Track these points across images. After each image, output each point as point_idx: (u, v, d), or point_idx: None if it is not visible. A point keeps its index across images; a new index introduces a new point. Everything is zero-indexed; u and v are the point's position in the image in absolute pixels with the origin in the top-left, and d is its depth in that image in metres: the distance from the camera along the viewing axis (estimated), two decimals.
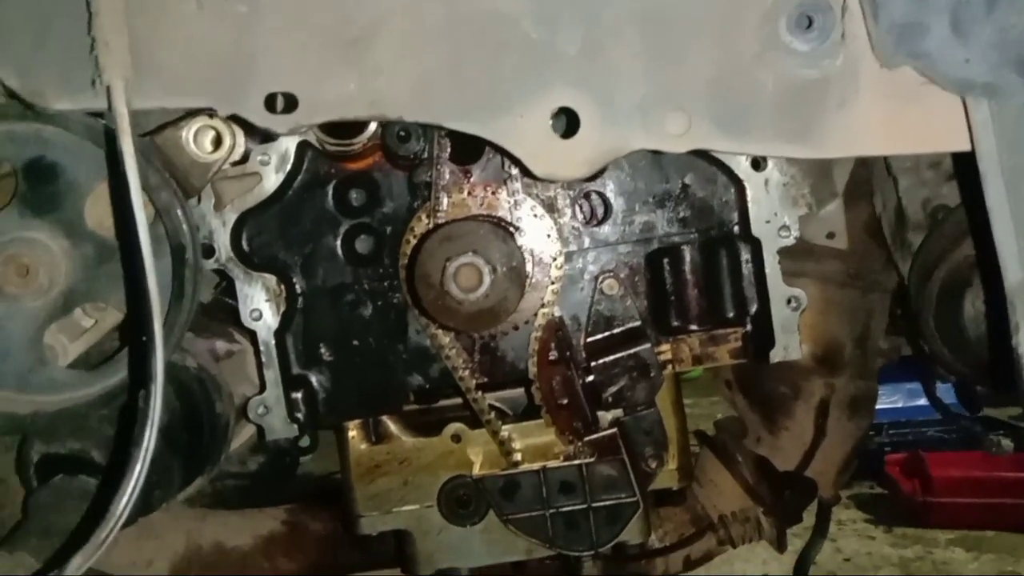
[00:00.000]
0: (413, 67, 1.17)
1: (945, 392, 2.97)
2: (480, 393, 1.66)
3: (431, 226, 1.57)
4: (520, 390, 1.76)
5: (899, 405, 5.65)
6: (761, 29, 1.17)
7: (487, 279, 1.42)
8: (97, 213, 1.37)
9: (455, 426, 1.73)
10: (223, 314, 1.93)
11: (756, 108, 1.18)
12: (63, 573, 1.00)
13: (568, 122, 1.22)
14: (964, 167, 1.17)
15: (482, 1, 1.17)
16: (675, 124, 1.19)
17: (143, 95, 1.13)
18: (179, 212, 1.33)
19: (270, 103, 1.17)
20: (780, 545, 2.38)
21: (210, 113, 1.29)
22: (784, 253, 1.62)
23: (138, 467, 1.02)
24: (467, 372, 1.65)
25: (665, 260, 1.65)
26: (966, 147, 1.11)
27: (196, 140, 1.40)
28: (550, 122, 1.21)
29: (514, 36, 1.18)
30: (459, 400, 1.73)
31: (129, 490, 1.02)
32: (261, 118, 1.17)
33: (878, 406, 2.47)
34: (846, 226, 2.19)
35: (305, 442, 2.77)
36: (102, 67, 1.07)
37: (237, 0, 1.13)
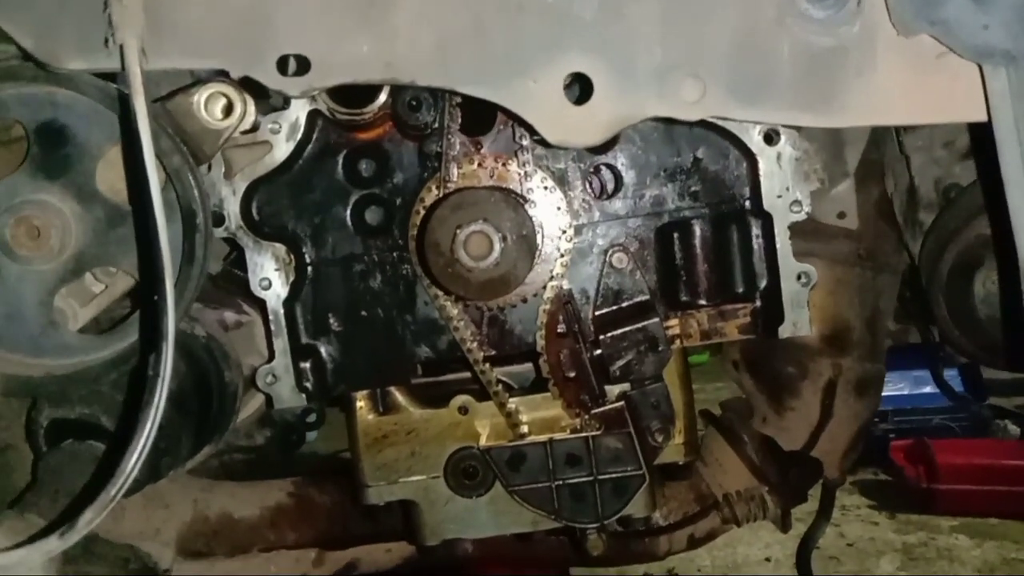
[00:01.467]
0: (429, 30, 1.16)
1: (952, 379, 2.97)
2: (488, 365, 1.66)
3: (441, 196, 1.57)
4: (527, 366, 1.76)
5: (905, 392, 5.66)
6: None
7: (497, 247, 1.42)
8: (108, 177, 1.37)
9: (462, 398, 1.73)
10: (232, 285, 1.94)
11: (772, 76, 1.17)
12: (74, 527, 1.00)
13: (582, 88, 1.21)
14: (980, 139, 1.16)
15: None
16: (690, 91, 1.18)
17: (157, 55, 1.13)
18: (190, 177, 1.33)
19: (282, 66, 1.17)
20: (784, 525, 2.39)
21: (222, 78, 1.29)
22: (794, 232, 1.61)
23: (149, 423, 1.03)
24: (475, 344, 1.65)
25: (675, 234, 1.64)
26: (984, 117, 1.10)
27: (207, 107, 1.39)
28: (564, 88, 1.20)
29: (530, 0, 1.17)
30: (467, 373, 1.72)
31: (140, 446, 1.02)
32: (274, 80, 1.16)
33: (884, 393, 2.47)
34: (857, 206, 2.18)
35: (312, 417, 2.79)
36: (115, 25, 1.07)
37: None
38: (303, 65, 1.16)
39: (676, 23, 1.18)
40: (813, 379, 2.33)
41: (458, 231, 1.42)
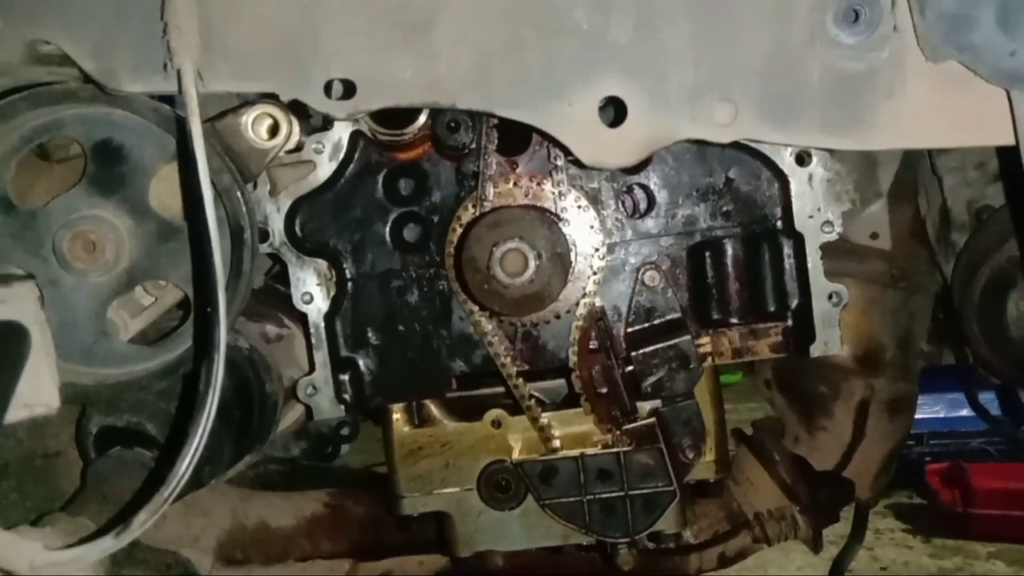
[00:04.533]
0: (468, 54, 1.21)
1: (989, 403, 2.94)
2: (521, 380, 1.69)
3: (477, 214, 1.61)
4: (559, 382, 1.79)
5: (941, 415, 5.57)
6: (809, 21, 1.19)
7: (532, 264, 1.46)
8: (160, 194, 1.43)
9: (496, 412, 1.77)
10: (274, 300, 1.99)
11: (802, 100, 1.20)
12: (129, 527, 1.05)
13: (616, 110, 1.24)
14: (1008, 162, 1.18)
15: None
16: (722, 114, 1.21)
17: (211, 78, 1.19)
18: (238, 195, 1.39)
19: (328, 89, 1.22)
20: (816, 545, 2.38)
21: (269, 100, 1.34)
22: (827, 252, 1.63)
23: (201, 429, 1.08)
24: (509, 359, 1.69)
25: (707, 253, 1.67)
26: (1011, 141, 1.12)
27: (254, 127, 1.45)
28: (598, 110, 1.24)
29: (567, 25, 1.22)
30: (500, 388, 1.76)
31: (192, 451, 1.07)
32: (320, 103, 1.21)
33: (920, 415, 2.46)
34: (890, 227, 2.19)
35: (346, 430, 2.83)
36: (173, 51, 1.13)
37: None
38: (349, 89, 1.21)
39: (708, 48, 1.21)
40: (846, 399, 2.33)
41: (494, 248, 1.46)
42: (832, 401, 2.35)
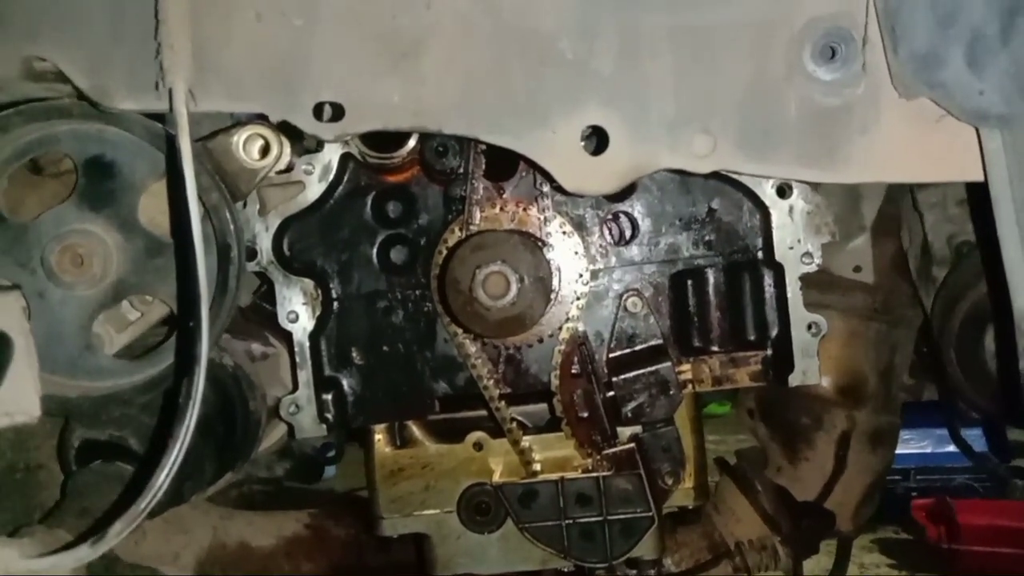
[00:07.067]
0: (456, 80, 1.24)
1: (976, 439, 2.95)
2: (503, 403, 1.71)
3: (463, 238, 1.63)
4: (541, 406, 1.81)
5: (928, 450, 5.59)
6: (786, 56, 1.22)
7: (514, 287, 1.48)
8: (149, 210, 1.45)
9: (477, 434, 1.78)
10: (261, 318, 2.01)
11: (779, 132, 1.23)
12: (104, 538, 1.06)
13: (598, 139, 1.27)
14: (978, 198, 1.21)
15: (525, 18, 1.24)
16: (701, 145, 1.24)
17: (203, 98, 1.21)
18: (227, 213, 1.41)
19: (318, 111, 1.25)
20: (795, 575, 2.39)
21: (260, 120, 1.37)
22: (811, 284, 1.66)
23: (180, 442, 1.09)
24: (491, 382, 1.70)
25: (689, 281, 1.69)
26: (981, 177, 1.15)
27: (245, 147, 1.47)
28: (581, 139, 1.27)
29: (552, 54, 1.25)
30: (482, 410, 1.77)
31: (170, 463, 1.08)
32: (310, 125, 1.24)
33: (907, 451, 2.48)
34: (873, 260, 2.22)
35: (331, 452, 2.83)
36: (165, 70, 1.15)
37: (294, 13, 1.21)
38: (338, 111, 1.24)
39: (688, 80, 1.24)
40: (827, 430, 2.35)
41: (477, 271, 1.48)
42: (814, 432, 2.37)
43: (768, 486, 2.38)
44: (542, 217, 1.67)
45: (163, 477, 1.08)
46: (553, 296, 1.61)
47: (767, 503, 2.36)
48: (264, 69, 1.23)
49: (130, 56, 1.23)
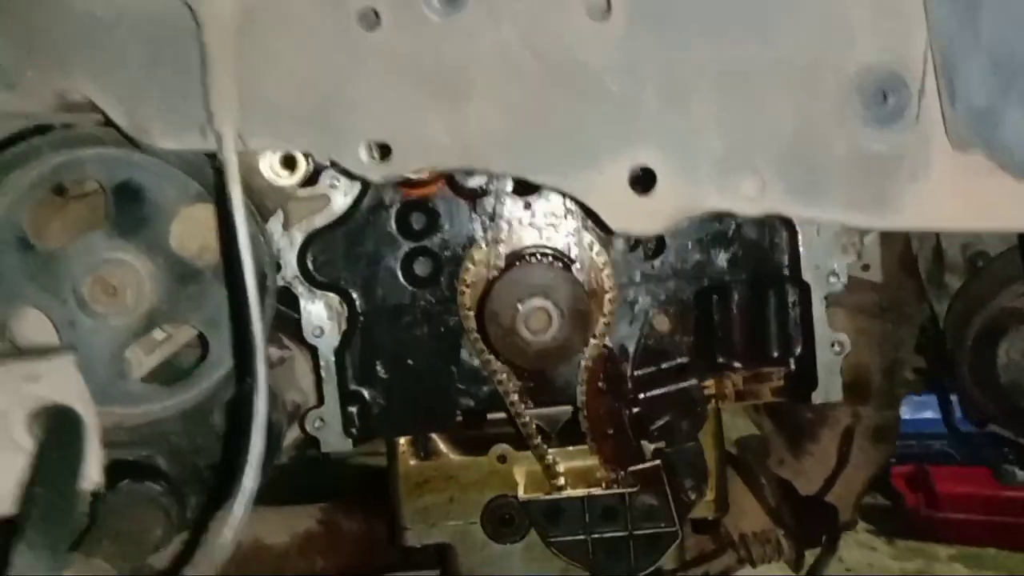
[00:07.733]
0: (502, 119, 1.21)
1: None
2: (529, 418, 1.72)
3: (494, 259, 1.62)
4: (560, 408, 1.81)
5: (906, 416, 5.69)
6: (837, 99, 1.21)
7: (556, 322, 1.48)
8: (180, 236, 1.42)
9: (501, 447, 1.79)
10: (274, 320, 1.99)
11: (828, 176, 1.22)
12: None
13: (645, 179, 1.26)
14: None
15: (570, 53, 1.21)
16: (750, 187, 1.23)
17: (248, 136, 1.18)
18: (262, 241, 1.39)
19: (364, 151, 1.22)
20: (797, 567, 2.46)
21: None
22: None
23: (253, 463, 1.08)
24: (516, 397, 1.71)
25: (715, 298, 1.70)
26: None
27: (271, 164, 1.45)
28: (628, 179, 1.25)
29: (599, 93, 1.23)
30: (507, 426, 1.78)
31: (248, 488, 1.08)
32: (357, 166, 1.21)
33: None
34: (881, 259, 2.23)
35: None
36: (213, 114, 1.12)
37: (339, 50, 1.18)
38: (384, 151, 1.21)
39: (736, 121, 1.23)
40: (831, 425, 2.39)
41: (519, 304, 1.48)
42: (819, 427, 2.41)
43: (772, 480, 2.44)
44: (570, 233, 1.66)
45: (244, 502, 1.08)
46: (591, 326, 1.61)
47: (771, 497, 2.41)
48: (310, 107, 1.20)
49: (169, 91, 1.19)
